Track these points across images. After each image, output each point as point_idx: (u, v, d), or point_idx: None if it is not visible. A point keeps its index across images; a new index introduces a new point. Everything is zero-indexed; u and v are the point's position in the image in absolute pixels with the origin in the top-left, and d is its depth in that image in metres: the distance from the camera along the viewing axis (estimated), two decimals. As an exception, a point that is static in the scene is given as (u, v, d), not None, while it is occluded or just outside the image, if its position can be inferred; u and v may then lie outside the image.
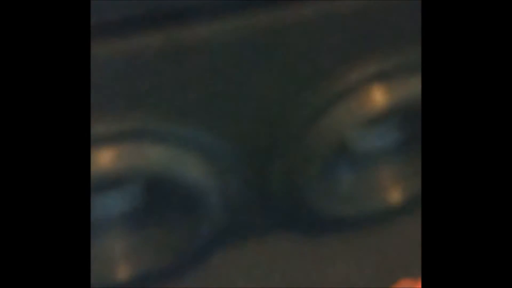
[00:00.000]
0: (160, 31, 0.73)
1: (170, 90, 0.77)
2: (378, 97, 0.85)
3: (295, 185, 0.91)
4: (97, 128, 0.74)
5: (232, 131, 0.83)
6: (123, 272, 0.89)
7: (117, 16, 0.71)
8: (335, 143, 0.87)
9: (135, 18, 0.71)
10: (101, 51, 0.71)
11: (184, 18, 0.73)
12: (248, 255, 0.99)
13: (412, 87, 0.86)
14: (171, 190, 0.84)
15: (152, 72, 0.76)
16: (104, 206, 0.87)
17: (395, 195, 1.02)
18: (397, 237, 1.04)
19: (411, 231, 1.05)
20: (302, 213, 0.97)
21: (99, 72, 0.70)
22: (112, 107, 0.76)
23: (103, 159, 0.77)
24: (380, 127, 0.95)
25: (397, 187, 1.02)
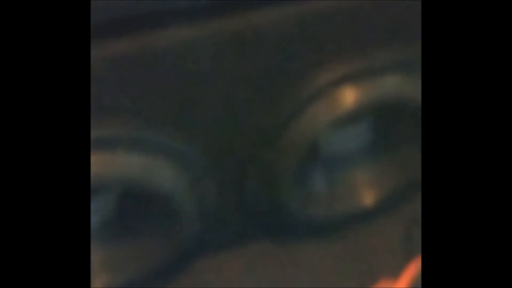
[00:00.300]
0: (130, 37, 0.73)
1: (143, 97, 0.77)
2: (349, 98, 0.85)
3: (271, 189, 0.91)
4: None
5: (205, 138, 0.83)
6: (99, 283, 0.88)
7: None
8: (308, 146, 0.88)
9: (106, 23, 0.71)
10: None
11: (155, 23, 0.73)
12: (227, 263, 0.99)
13: (381, 88, 0.87)
14: (145, 198, 0.83)
15: (124, 78, 0.75)
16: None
17: (370, 197, 1.02)
18: (375, 238, 1.04)
19: (388, 231, 1.06)
20: (279, 218, 0.97)
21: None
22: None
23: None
24: (353, 129, 0.95)
25: (371, 188, 1.02)
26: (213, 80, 0.79)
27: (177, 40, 0.75)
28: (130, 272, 0.90)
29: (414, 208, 1.07)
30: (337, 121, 0.87)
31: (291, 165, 0.89)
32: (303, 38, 0.81)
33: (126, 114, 0.77)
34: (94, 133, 0.72)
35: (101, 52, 0.71)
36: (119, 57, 0.73)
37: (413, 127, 0.97)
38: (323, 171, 1.00)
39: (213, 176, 0.87)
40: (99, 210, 0.87)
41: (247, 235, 0.99)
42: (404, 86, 0.89)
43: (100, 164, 0.76)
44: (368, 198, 1.02)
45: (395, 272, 0.98)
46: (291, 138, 0.86)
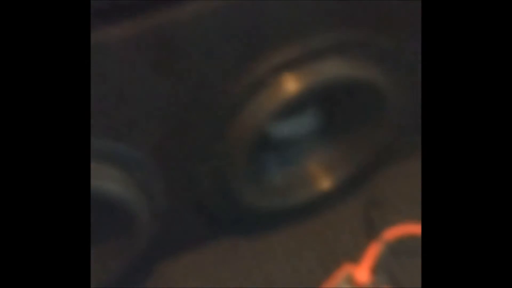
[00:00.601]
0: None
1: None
2: (290, 85, 0.85)
3: (225, 183, 0.91)
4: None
5: (151, 139, 0.82)
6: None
7: None
8: (256, 137, 0.87)
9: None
10: None
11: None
12: (192, 263, 0.98)
13: (322, 72, 0.87)
14: (96, 206, 0.82)
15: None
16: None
17: (325, 182, 1.02)
18: (335, 222, 1.04)
19: (347, 215, 1.06)
20: (237, 212, 0.96)
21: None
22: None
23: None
24: (300, 115, 0.95)
25: (326, 174, 1.02)
26: (151, 80, 0.78)
27: (109, 39, 0.73)
28: (93, 279, 0.89)
29: (372, 190, 1.08)
30: (282, 109, 0.86)
31: (241, 157, 0.88)
32: (237, 29, 0.80)
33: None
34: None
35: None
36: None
37: (362, 107, 0.97)
38: (276, 161, 1.00)
39: (163, 177, 0.86)
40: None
41: (207, 232, 0.98)
42: (345, 68, 0.88)
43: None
44: (324, 183, 1.02)
45: (358, 255, 0.99)
46: (237, 130, 0.85)
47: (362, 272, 0.94)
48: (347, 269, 0.95)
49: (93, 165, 0.78)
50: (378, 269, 0.95)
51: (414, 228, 1.00)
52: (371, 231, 1.00)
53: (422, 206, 0.63)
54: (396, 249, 0.98)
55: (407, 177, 1.08)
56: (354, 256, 0.98)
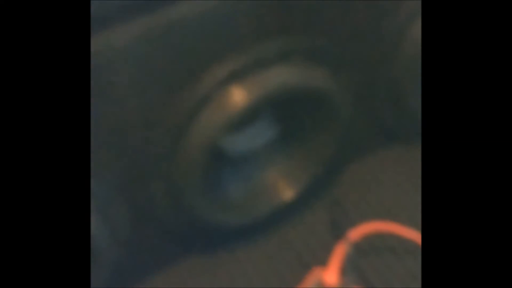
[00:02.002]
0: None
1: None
2: (237, 97, 0.86)
3: (183, 201, 0.91)
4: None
5: (102, 164, 0.82)
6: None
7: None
8: (209, 151, 0.87)
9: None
10: None
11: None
12: (157, 285, 0.98)
13: (267, 82, 0.87)
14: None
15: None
16: None
17: (287, 191, 1.02)
18: (300, 229, 1.04)
19: (312, 220, 1.07)
20: (200, 230, 0.96)
21: None
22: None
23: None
24: (252, 127, 0.96)
25: (286, 183, 1.02)
26: (96, 105, 0.78)
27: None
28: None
29: (333, 192, 1.09)
30: (232, 122, 0.87)
31: (196, 174, 0.88)
32: (178, 46, 0.80)
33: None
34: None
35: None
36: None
37: (313, 113, 0.98)
38: (235, 176, 1.00)
39: (122, 202, 0.86)
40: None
41: (171, 255, 0.98)
42: (290, 75, 0.89)
43: None
44: (286, 192, 1.02)
45: (327, 257, 0.99)
46: (189, 147, 0.86)
47: (331, 274, 0.95)
48: (317, 273, 0.96)
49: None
50: (346, 269, 0.96)
51: (378, 226, 1.01)
52: (337, 233, 1.01)
53: (422, 211, 0.63)
54: (362, 248, 0.99)
55: (366, 176, 1.09)
56: (323, 259, 0.99)
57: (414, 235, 0.99)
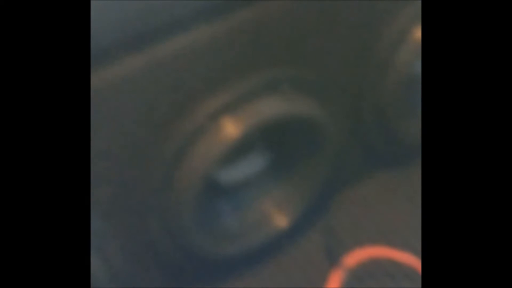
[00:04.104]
0: None
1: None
2: (229, 129, 0.87)
3: (178, 233, 0.91)
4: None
5: (96, 200, 0.82)
6: None
7: None
8: (203, 183, 0.88)
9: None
10: None
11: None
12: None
13: (259, 112, 0.88)
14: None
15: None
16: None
17: (281, 220, 1.03)
18: (296, 258, 1.05)
19: (307, 248, 1.07)
20: (196, 262, 0.97)
21: None
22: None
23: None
24: (245, 157, 0.96)
25: (280, 211, 1.03)
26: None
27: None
28: None
29: (328, 219, 1.10)
30: (224, 154, 0.87)
31: (190, 206, 0.88)
32: (170, 80, 0.82)
33: None
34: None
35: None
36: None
37: (304, 140, 1.00)
38: (229, 206, 1.01)
39: (118, 237, 0.87)
40: None
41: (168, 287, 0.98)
42: (280, 105, 0.90)
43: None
44: (280, 221, 1.03)
45: (323, 285, 1.00)
46: (183, 180, 0.86)
47: (328, 301, 0.95)
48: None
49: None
50: (343, 296, 0.96)
51: (374, 251, 1.01)
52: (332, 259, 1.01)
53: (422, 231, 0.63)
54: (358, 274, 1.00)
55: (359, 201, 1.10)
56: (320, 287, 0.99)
57: (410, 259, 0.99)
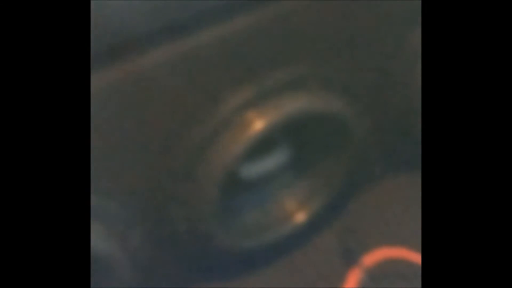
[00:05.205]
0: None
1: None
2: (255, 123, 0.87)
3: (199, 227, 0.91)
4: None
5: (121, 188, 0.83)
6: None
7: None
8: (226, 177, 0.88)
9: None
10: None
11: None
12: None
13: (284, 107, 0.88)
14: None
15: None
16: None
17: (300, 216, 1.03)
18: (313, 255, 1.05)
19: (325, 246, 1.07)
20: (214, 255, 0.97)
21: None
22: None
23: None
24: (268, 152, 0.96)
25: (300, 207, 1.03)
26: (118, 129, 0.79)
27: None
28: None
29: (346, 217, 1.10)
30: (249, 148, 0.87)
31: (213, 199, 0.89)
32: (197, 73, 0.82)
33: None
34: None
35: None
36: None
37: (327, 138, 0.99)
38: (250, 201, 1.01)
39: (141, 227, 0.87)
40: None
41: (186, 279, 0.98)
42: (306, 101, 0.90)
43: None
44: (299, 217, 1.03)
45: (340, 284, 0.99)
46: (207, 173, 0.86)
47: (345, 300, 0.95)
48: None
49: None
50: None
51: (391, 252, 1.01)
52: (350, 259, 1.01)
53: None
54: (375, 274, 0.99)
55: (379, 202, 1.10)
56: (336, 286, 0.99)
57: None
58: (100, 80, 0.75)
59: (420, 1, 0.64)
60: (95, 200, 0.81)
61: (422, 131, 0.63)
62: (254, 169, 0.96)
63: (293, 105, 0.89)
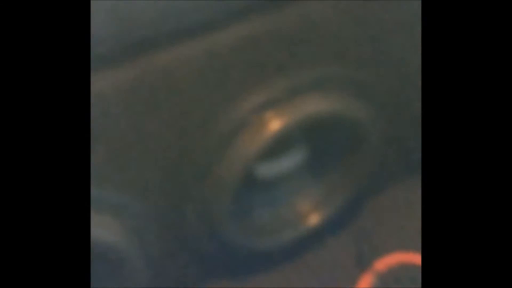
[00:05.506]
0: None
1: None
2: (273, 123, 0.86)
3: (213, 224, 0.91)
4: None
5: (139, 184, 0.83)
6: None
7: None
8: (242, 176, 0.88)
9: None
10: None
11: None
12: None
13: (303, 109, 0.88)
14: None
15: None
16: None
17: (314, 218, 1.02)
18: (325, 258, 1.04)
19: (337, 249, 1.06)
20: (227, 253, 0.97)
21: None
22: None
23: None
24: (284, 153, 0.96)
25: (314, 210, 1.02)
26: (137, 126, 0.79)
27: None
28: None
29: (360, 222, 1.09)
30: (266, 148, 0.87)
31: (228, 197, 0.89)
32: (217, 72, 0.81)
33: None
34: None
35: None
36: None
37: (345, 141, 0.99)
38: (264, 201, 1.01)
39: (154, 222, 0.87)
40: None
41: (198, 277, 0.98)
42: (325, 103, 0.90)
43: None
44: (313, 219, 1.02)
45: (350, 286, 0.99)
46: (223, 171, 0.86)
47: (357, 304, 0.95)
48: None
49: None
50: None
51: (404, 257, 1.01)
52: (362, 263, 1.01)
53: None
54: (387, 279, 0.99)
55: (393, 207, 1.09)
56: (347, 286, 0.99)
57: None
58: (119, 78, 0.75)
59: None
60: (112, 196, 0.82)
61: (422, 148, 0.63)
62: (270, 169, 0.96)
63: (311, 106, 0.89)
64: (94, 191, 0.79)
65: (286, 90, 0.87)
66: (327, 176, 1.03)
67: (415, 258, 1.01)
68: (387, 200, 1.10)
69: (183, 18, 0.77)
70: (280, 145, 0.91)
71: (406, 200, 1.11)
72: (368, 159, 1.00)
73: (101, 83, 0.74)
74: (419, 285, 0.99)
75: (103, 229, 0.82)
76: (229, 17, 0.80)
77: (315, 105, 0.89)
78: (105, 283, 0.86)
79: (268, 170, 0.96)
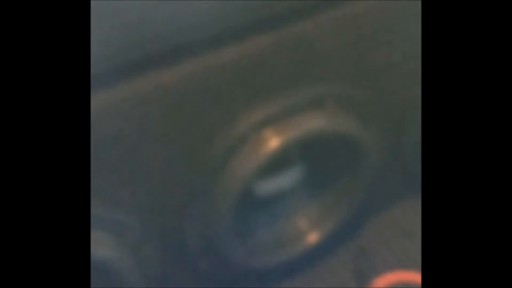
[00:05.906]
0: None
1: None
2: (271, 141, 0.86)
3: (212, 242, 0.91)
4: None
5: (138, 202, 0.83)
6: None
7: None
8: (241, 193, 0.88)
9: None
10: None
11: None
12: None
13: (301, 127, 0.88)
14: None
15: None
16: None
17: (313, 236, 1.02)
18: (324, 276, 1.04)
19: (336, 267, 1.06)
20: (227, 271, 0.96)
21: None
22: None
23: None
24: (283, 170, 0.96)
25: (313, 227, 1.02)
26: (136, 143, 0.80)
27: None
28: None
29: (358, 239, 1.09)
30: (265, 165, 0.87)
31: (227, 215, 0.89)
32: (216, 90, 0.82)
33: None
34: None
35: None
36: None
37: (343, 159, 0.99)
38: (263, 218, 1.01)
39: (154, 240, 0.87)
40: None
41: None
42: (323, 121, 0.90)
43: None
44: (312, 237, 1.02)
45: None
46: (222, 189, 0.86)
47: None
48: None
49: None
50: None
51: (403, 276, 1.00)
52: (361, 281, 1.01)
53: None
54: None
55: (392, 225, 1.09)
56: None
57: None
58: (116, 97, 0.76)
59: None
60: (110, 213, 0.82)
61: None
62: (269, 187, 0.96)
63: (310, 124, 0.89)
64: (93, 209, 0.79)
65: (285, 108, 0.87)
66: (326, 193, 1.03)
67: (415, 276, 1.01)
68: (387, 218, 1.10)
69: (182, 36, 0.78)
70: (279, 162, 0.91)
71: (405, 219, 1.11)
72: (367, 177, 1.00)
73: (96, 102, 0.74)
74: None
75: (102, 247, 0.82)
76: (229, 36, 0.81)
77: (314, 123, 0.89)
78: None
79: (267, 187, 0.96)
